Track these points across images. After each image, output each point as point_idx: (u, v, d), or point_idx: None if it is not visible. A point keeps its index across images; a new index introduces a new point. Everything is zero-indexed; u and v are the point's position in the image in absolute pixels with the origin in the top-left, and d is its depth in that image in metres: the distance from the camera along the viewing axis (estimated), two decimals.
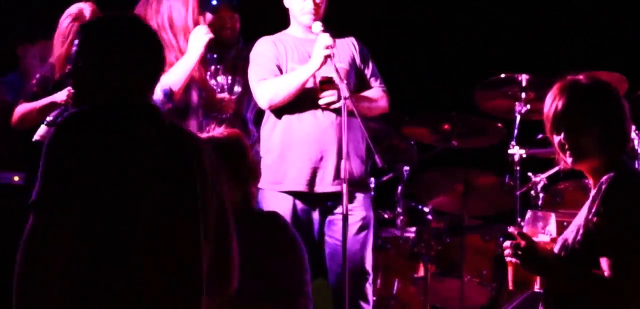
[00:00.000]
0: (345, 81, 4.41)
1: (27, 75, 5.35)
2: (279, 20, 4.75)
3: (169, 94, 4.36)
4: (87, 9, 4.80)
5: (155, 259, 2.58)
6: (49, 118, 4.22)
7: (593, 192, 2.75)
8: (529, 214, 2.93)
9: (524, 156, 5.19)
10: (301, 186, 4.55)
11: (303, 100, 4.55)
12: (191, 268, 2.66)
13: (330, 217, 4.60)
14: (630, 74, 5.02)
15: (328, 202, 4.56)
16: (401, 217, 5.42)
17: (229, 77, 4.62)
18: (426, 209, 5.60)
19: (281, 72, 4.60)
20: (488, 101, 5.44)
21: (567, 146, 2.78)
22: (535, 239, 2.83)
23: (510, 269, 2.85)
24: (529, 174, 5.20)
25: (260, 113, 4.79)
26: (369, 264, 4.64)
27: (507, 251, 2.82)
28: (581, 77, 2.84)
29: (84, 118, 2.58)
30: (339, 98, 4.42)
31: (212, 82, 4.61)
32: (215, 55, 4.71)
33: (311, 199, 4.58)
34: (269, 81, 4.57)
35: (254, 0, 5.43)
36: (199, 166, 2.73)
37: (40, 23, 5.19)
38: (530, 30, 6.77)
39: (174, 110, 4.48)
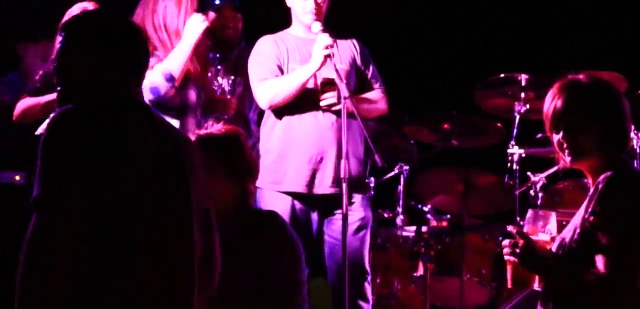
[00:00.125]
0: (344, 81, 4.42)
1: (28, 74, 5.35)
2: (282, 20, 4.76)
3: (170, 77, 4.37)
4: (90, 8, 4.80)
5: (155, 259, 2.58)
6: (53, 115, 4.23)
7: (590, 191, 2.75)
8: (529, 213, 2.93)
9: (523, 155, 5.20)
10: (300, 187, 4.56)
11: (304, 101, 4.55)
12: (186, 267, 2.66)
13: (329, 217, 4.61)
14: (630, 74, 5.03)
15: (327, 203, 4.57)
16: (401, 217, 5.43)
17: (230, 79, 4.62)
18: (426, 209, 5.62)
19: (282, 73, 4.61)
20: (488, 101, 5.45)
21: (565, 145, 2.79)
22: (535, 237, 2.84)
23: (509, 268, 2.86)
24: (529, 173, 5.22)
25: (262, 113, 4.79)
26: (367, 264, 4.66)
27: (506, 250, 2.83)
28: (581, 76, 2.84)
29: (79, 115, 2.55)
30: (340, 99, 4.44)
31: (214, 82, 4.61)
32: (217, 55, 4.71)
33: (310, 200, 4.58)
34: (269, 81, 4.57)
35: (257, 0, 5.43)
36: (191, 163, 2.73)
37: (41, 23, 5.19)
38: (530, 30, 6.78)
39: (173, 107, 4.49)
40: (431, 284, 5.13)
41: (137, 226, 2.54)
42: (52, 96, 4.55)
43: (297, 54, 4.63)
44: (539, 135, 5.11)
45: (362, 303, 4.60)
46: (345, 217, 4.24)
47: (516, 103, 5.28)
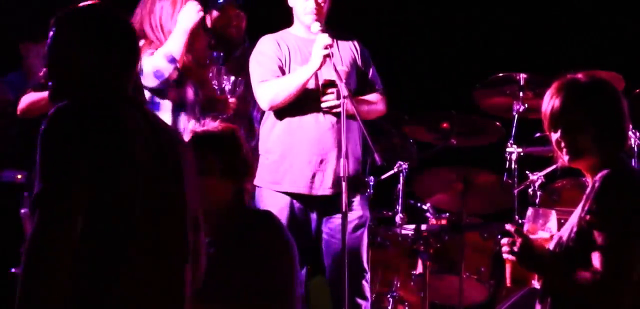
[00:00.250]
0: (344, 81, 4.43)
1: (30, 73, 5.37)
2: (283, 19, 4.77)
3: (172, 59, 4.39)
4: None
5: (154, 258, 2.58)
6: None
7: (588, 189, 2.76)
8: (530, 211, 2.93)
9: (522, 154, 5.22)
10: (300, 188, 4.57)
11: (304, 102, 4.55)
12: (181, 266, 2.67)
13: (327, 216, 4.63)
14: (629, 74, 5.04)
15: (326, 203, 4.59)
16: (400, 215, 5.44)
17: (231, 78, 4.62)
18: (425, 207, 5.63)
19: (283, 73, 4.61)
20: (487, 100, 5.47)
21: (564, 144, 2.79)
22: (535, 236, 2.85)
23: (508, 267, 2.87)
24: (527, 172, 5.23)
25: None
26: (365, 262, 4.68)
27: (504, 249, 2.84)
28: (580, 75, 2.85)
29: (78, 112, 2.52)
30: (339, 99, 4.45)
31: (214, 82, 4.62)
32: (221, 54, 4.72)
33: (309, 200, 4.60)
34: (269, 82, 4.57)
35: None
36: (185, 162, 2.73)
37: (42, 23, 5.20)
38: (528, 30, 6.79)
39: (172, 99, 4.51)
40: (430, 282, 5.14)
41: (137, 224, 2.53)
42: None
43: (298, 54, 4.64)
44: (538, 134, 5.12)
45: (360, 301, 4.62)
46: (345, 216, 4.26)
47: (515, 102, 5.30)
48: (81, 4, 2.74)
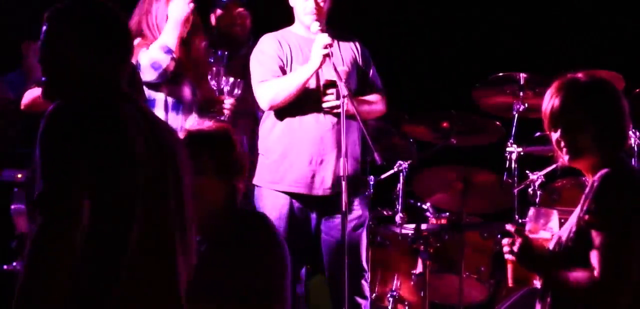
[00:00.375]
0: (344, 80, 4.43)
1: (30, 73, 5.38)
2: (285, 18, 4.76)
3: (168, 50, 4.41)
4: None
5: (156, 258, 2.58)
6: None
7: (587, 189, 2.76)
8: (531, 211, 2.93)
9: (522, 153, 5.22)
10: (301, 188, 4.57)
11: (305, 102, 4.55)
12: (180, 264, 2.66)
13: (327, 216, 4.63)
14: (629, 74, 5.05)
15: (326, 203, 4.59)
16: (400, 215, 5.44)
17: (230, 79, 4.62)
18: (425, 207, 5.63)
19: (284, 73, 4.60)
20: (487, 99, 5.47)
21: (563, 144, 2.80)
22: (537, 236, 2.85)
23: (509, 267, 2.88)
24: (527, 171, 5.24)
25: None
26: (364, 261, 4.68)
27: (505, 249, 2.85)
28: (580, 75, 2.85)
29: (76, 111, 2.50)
30: (339, 98, 4.44)
31: (213, 82, 4.62)
32: (226, 53, 4.72)
33: (309, 199, 4.60)
34: (269, 82, 4.57)
35: None
36: (182, 160, 2.74)
37: (42, 22, 5.21)
38: (528, 30, 6.80)
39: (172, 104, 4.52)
40: (430, 281, 5.14)
41: (137, 223, 2.52)
42: None
43: (300, 55, 4.63)
44: (538, 133, 5.13)
45: (360, 300, 4.62)
46: (344, 216, 4.26)
47: (515, 102, 5.30)
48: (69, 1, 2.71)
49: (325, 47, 4.45)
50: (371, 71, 4.79)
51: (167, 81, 4.50)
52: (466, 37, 6.94)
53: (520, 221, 5.00)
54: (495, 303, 5.39)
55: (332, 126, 4.56)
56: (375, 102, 4.74)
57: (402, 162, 5.49)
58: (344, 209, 4.26)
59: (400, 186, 5.47)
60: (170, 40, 4.44)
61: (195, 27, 4.65)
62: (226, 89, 4.60)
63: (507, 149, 5.24)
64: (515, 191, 5.17)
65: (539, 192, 5.15)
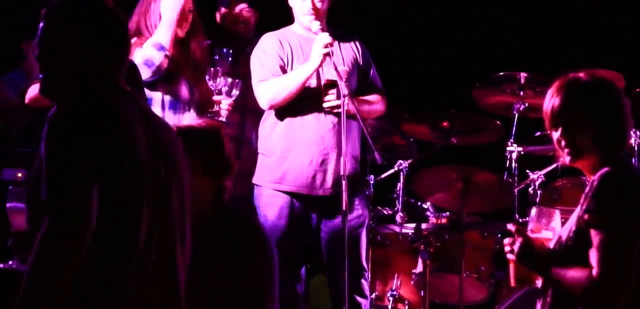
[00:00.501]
0: (344, 80, 4.43)
1: (31, 71, 5.36)
2: (285, 16, 4.77)
3: (161, 47, 4.43)
4: None
5: (160, 260, 2.58)
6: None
7: (587, 188, 2.76)
8: (534, 210, 2.93)
9: (522, 153, 5.23)
10: (302, 188, 4.58)
11: (306, 101, 4.55)
12: (181, 263, 2.67)
13: (327, 215, 4.63)
14: (629, 73, 5.05)
15: (326, 203, 4.59)
16: (400, 214, 5.44)
17: (228, 80, 4.62)
18: (425, 206, 5.63)
19: (284, 72, 4.60)
20: (487, 99, 5.47)
21: (564, 143, 2.80)
22: (539, 235, 2.85)
23: (511, 266, 2.88)
24: (527, 171, 5.24)
25: None
26: (364, 260, 4.69)
27: (506, 249, 2.86)
28: (581, 74, 2.84)
29: (77, 111, 2.50)
30: (340, 98, 4.44)
31: (210, 83, 4.62)
32: (231, 50, 4.72)
33: (310, 199, 4.60)
34: (269, 82, 4.57)
35: None
36: (181, 157, 2.74)
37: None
38: (529, 29, 6.80)
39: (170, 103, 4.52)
40: (430, 281, 5.14)
41: (143, 224, 2.52)
42: None
43: (300, 53, 4.64)
44: (538, 133, 5.14)
45: (360, 299, 4.63)
46: (345, 215, 4.26)
47: (515, 101, 5.31)
48: None
49: (326, 47, 4.45)
50: (371, 71, 4.79)
51: (164, 79, 4.50)
52: (466, 37, 6.94)
53: (520, 220, 5.01)
54: (496, 302, 5.40)
55: (332, 125, 4.57)
56: (375, 102, 4.74)
57: (402, 162, 5.50)
58: (344, 208, 4.26)
59: (400, 185, 5.47)
60: (163, 37, 4.46)
61: (195, 27, 4.66)
62: (224, 89, 4.59)
63: (508, 148, 5.24)
64: (516, 190, 5.18)
65: (539, 192, 5.16)
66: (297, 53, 4.64)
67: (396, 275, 5.42)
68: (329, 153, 4.56)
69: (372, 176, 5.50)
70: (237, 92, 4.61)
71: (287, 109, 4.58)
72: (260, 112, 4.84)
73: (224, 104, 4.59)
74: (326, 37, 4.48)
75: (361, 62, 4.75)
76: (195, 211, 3.28)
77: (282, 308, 4.47)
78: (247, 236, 3.48)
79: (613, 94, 2.84)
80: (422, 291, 5.12)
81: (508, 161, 5.24)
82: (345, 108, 4.38)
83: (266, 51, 4.65)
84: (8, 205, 5.00)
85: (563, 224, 2.88)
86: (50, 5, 2.67)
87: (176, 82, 4.56)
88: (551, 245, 2.83)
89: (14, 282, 3.85)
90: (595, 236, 2.67)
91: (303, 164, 4.56)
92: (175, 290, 2.66)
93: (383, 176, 5.57)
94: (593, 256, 2.66)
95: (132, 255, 2.50)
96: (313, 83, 4.56)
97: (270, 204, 4.59)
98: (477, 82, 5.39)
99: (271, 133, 4.65)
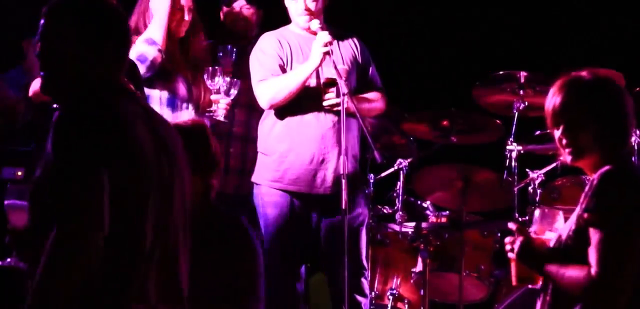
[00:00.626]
0: (344, 78, 4.43)
1: (31, 70, 5.37)
2: (284, 15, 4.77)
3: (152, 42, 4.45)
4: None
5: (165, 259, 2.58)
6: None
7: (587, 187, 2.76)
8: (537, 211, 2.94)
9: (522, 152, 5.23)
10: (302, 187, 4.58)
11: (305, 100, 4.55)
12: (179, 265, 2.67)
13: (327, 214, 4.63)
14: (629, 73, 5.05)
15: (326, 202, 4.59)
16: (400, 213, 5.44)
17: (227, 79, 4.62)
18: (425, 205, 5.64)
19: (284, 72, 4.61)
20: (487, 98, 5.47)
21: (565, 142, 2.80)
22: (542, 236, 2.86)
23: (513, 265, 2.89)
24: (527, 170, 5.24)
25: None
26: (364, 259, 4.69)
27: (507, 248, 2.86)
28: (583, 73, 2.84)
29: (81, 114, 2.49)
30: (339, 97, 4.45)
31: (209, 82, 4.62)
32: (234, 48, 4.73)
33: (310, 198, 4.60)
34: (269, 81, 4.57)
35: None
36: (181, 154, 2.74)
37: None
38: (529, 29, 6.81)
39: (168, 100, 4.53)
40: (430, 279, 5.15)
41: (149, 225, 2.52)
42: None
43: (300, 52, 4.64)
44: (538, 132, 5.14)
45: (359, 298, 4.63)
46: (345, 214, 4.27)
47: (515, 100, 5.31)
48: None
49: (326, 45, 4.45)
50: (371, 69, 4.80)
51: (162, 77, 4.50)
52: (466, 37, 6.94)
53: (520, 219, 5.02)
54: (495, 301, 5.40)
55: (332, 124, 4.57)
56: (375, 101, 4.74)
57: (402, 161, 5.50)
58: (344, 207, 4.26)
59: (400, 184, 5.47)
60: (154, 32, 4.48)
61: (195, 26, 4.66)
62: (223, 88, 4.59)
63: (507, 147, 5.24)
64: (516, 189, 5.18)
65: (539, 191, 5.16)
66: (296, 52, 4.64)
67: (396, 274, 5.43)
68: (328, 152, 4.56)
69: (372, 175, 5.50)
70: (236, 92, 4.62)
71: (287, 108, 4.58)
72: (261, 111, 4.84)
73: (222, 103, 4.59)
74: (326, 36, 4.48)
75: (360, 61, 4.75)
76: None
77: (282, 308, 4.50)
78: (238, 235, 3.48)
79: (615, 93, 2.84)
80: (422, 290, 5.12)
81: (508, 160, 5.23)
82: (345, 106, 4.38)
83: (265, 51, 4.65)
84: (6, 202, 5.00)
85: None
86: (50, 3, 2.66)
87: (174, 80, 4.56)
88: (551, 244, 2.83)
89: (12, 279, 3.86)
90: (594, 235, 2.67)
91: (303, 163, 4.57)
92: (179, 290, 2.66)
93: (383, 174, 5.57)
94: (592, 255, 2.66)
95: (137, 255, 2.50)
96: (313, 82, 4.56)
97: (270, 203, 4.59)
98: (477, 81, 5.39)
99: (271, 132, 4.65)
